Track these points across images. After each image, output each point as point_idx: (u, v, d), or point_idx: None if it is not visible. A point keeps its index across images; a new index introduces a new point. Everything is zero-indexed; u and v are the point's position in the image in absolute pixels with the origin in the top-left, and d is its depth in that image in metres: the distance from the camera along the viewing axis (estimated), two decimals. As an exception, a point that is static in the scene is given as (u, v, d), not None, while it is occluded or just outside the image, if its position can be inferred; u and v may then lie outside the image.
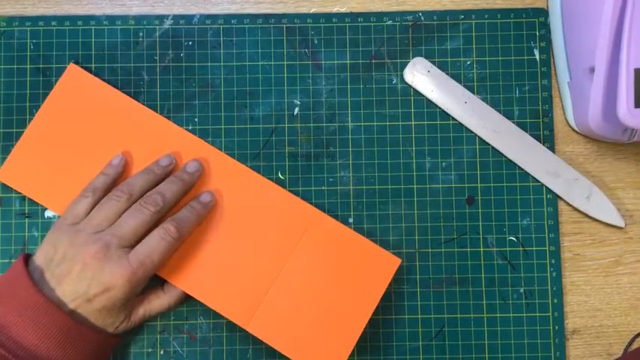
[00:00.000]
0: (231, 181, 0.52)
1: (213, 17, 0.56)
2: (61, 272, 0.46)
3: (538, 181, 0.55)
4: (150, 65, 0.55)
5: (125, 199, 0.48)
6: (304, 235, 0.51)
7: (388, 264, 0.51)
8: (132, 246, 0.47)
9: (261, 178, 0.52)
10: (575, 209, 0.55)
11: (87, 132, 0.53)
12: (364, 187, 0.55)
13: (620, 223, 0.55)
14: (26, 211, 0.54)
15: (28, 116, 0.55)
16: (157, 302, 0.50)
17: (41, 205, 0.53)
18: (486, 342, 0.54)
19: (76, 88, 0.53)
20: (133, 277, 0.46)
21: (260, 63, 0.56)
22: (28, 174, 0.52)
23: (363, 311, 0.50)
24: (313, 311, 0.50)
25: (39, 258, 0.47)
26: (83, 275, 0.45)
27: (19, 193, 0.53)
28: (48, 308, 0.44)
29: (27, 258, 0.48)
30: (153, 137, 0.53)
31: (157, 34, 0.56)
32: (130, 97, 0.53)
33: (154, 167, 0.51)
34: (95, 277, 0.45)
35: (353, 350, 0.50)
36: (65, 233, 0.47)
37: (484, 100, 0.56)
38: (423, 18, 0.56)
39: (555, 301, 0.54)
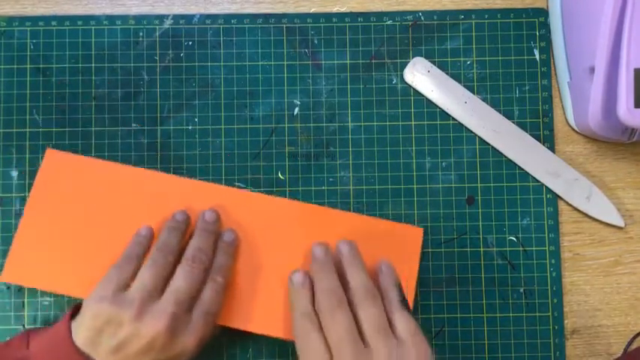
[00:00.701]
0: (238, 209, 0.51)
1: (213, 17, 0.56)
2: (118, 345, 0.45)
3: (538, 181, 0.55)
4: (150, 65, 0.55)
5: (170, 262, 0.48)
6: (325, 235, 0.50)
7: (413, 235, 0.51)
8: (191, 307, 0.47)
9: (262, 196, 0.52)
10: (575, 209, 0.55)
11: (85, 210, 0.51)
12: (364, 187, 0.55)
13: (620, 223, 0.55)
14: (26, 211, 0.54)
15: (28, 116, 0.55)
16: None
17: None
18: (486, 342, 0.54)
19: (60, 172, 0.52)
20: (202, 340, 0.47)
21: (260, 63, 0.56)
22: (36, 268, 0.50)
23: (407, 288, 0.50)
24: None
25: (87, 330, 0.46)
26: (149, 348, 0.45)
27: (20, 193, 0.53)
28: None
29: (69, 329, 0.46)
30: (151, 194, 0.51)
31: (157, 34, 0.56)
32: (130, 97, 0.53)
33: (175, 224, 0.50)
34: (164, 348, 0.46)
35: None
36: (117, 304, 0.46)
37: (484, 100, 0.56)
38: (423, 18, 0.56)
39: (555, 300, 0.54)
